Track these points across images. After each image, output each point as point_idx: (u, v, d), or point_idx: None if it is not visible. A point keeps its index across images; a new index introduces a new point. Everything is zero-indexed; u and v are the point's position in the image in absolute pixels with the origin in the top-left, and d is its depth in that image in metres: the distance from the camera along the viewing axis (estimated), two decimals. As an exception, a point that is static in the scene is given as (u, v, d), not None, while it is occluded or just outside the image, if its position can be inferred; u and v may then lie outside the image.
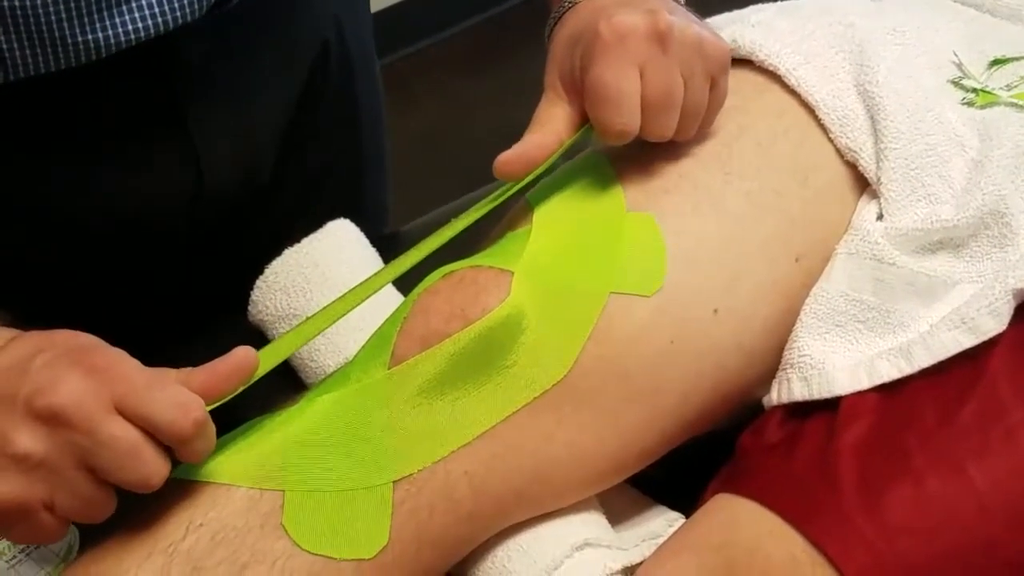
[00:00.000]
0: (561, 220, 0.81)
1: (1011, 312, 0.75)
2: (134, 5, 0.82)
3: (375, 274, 0.80)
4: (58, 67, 0.82)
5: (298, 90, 1.05)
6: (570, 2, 0.84)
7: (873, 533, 0.71)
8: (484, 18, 2.69)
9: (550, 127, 0.81)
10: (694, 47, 0.78)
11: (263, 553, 0.70)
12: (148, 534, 0.71)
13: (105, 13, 0.81)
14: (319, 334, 0.77)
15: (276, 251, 0.95)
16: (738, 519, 0.76)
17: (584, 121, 0.81)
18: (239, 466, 0.72)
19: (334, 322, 0.76)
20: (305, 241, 0.95)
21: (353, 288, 0.78)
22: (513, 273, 0.77)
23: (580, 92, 0.80)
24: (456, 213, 0.83)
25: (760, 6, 0.94)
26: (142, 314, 1.04)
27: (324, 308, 0.77)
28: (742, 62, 0.89)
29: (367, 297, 0.77)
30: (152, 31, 0.83)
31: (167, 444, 0.67)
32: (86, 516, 0.67)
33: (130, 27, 0.82)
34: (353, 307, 0.76)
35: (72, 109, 0.90)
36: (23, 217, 0.94)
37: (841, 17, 0.90)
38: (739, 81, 0.88)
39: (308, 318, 0.78)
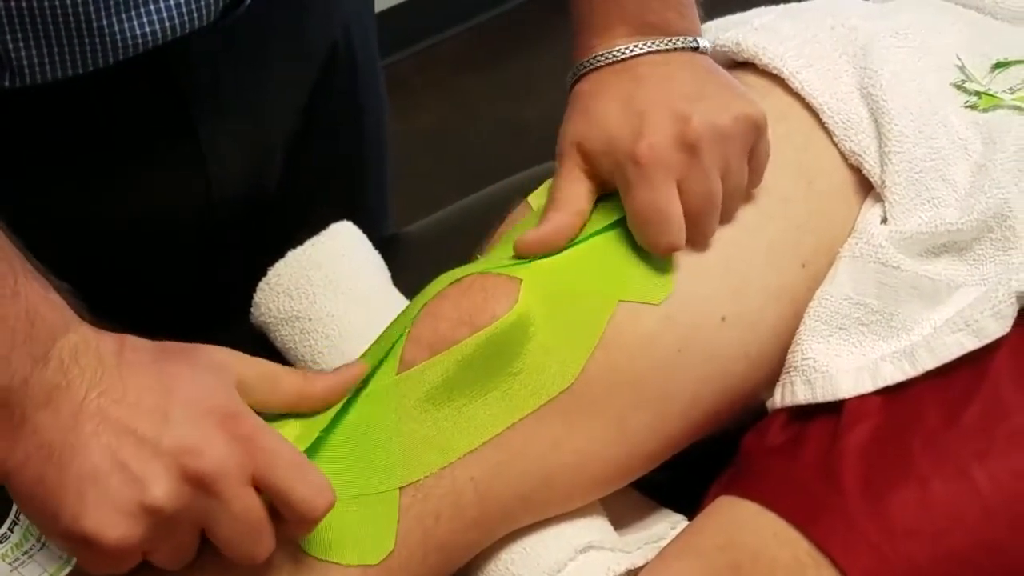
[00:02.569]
0: None
1: (1014, 315, 0.76)
2: (143, 10, 0.82)
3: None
4: (64, 73, 0.82)
5: (306, 94, 1.05)
6: (592, 63, 0.82)
7: (877, 535, 0.71)
8: (487, 17, 2.69)
9: (574, 206, 0.79)
10: (725, 139, 0.77)
11: (268, 559, 0.70)
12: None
13: (114, 18, 0.81)
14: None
15: (280, 253, 0.95)
16: (742, 522, 0.76)
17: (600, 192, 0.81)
18: (246, 472, 0.72)
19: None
20: (308, 243, 0.94)
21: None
22: (521, 280, 0.77)
23: (605, 183, 0.80)
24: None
25: (764, 9, 0.94)
26: (149, 314, 1.03)
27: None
28: (745, 65, 0.89)
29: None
30: (160, 36, 0.83)
31: (290, 518, 0.67)
32: (171, 565, 0.66)
33: (138, 31, 0.82)
34: None
35: (79, 115, 0.89)
36: (29, 221, 0.94)
37: (844, 20, 0.90)
38: (742, 85, 0.88)
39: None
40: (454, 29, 2.68)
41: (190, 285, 1.06)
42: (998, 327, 0.75)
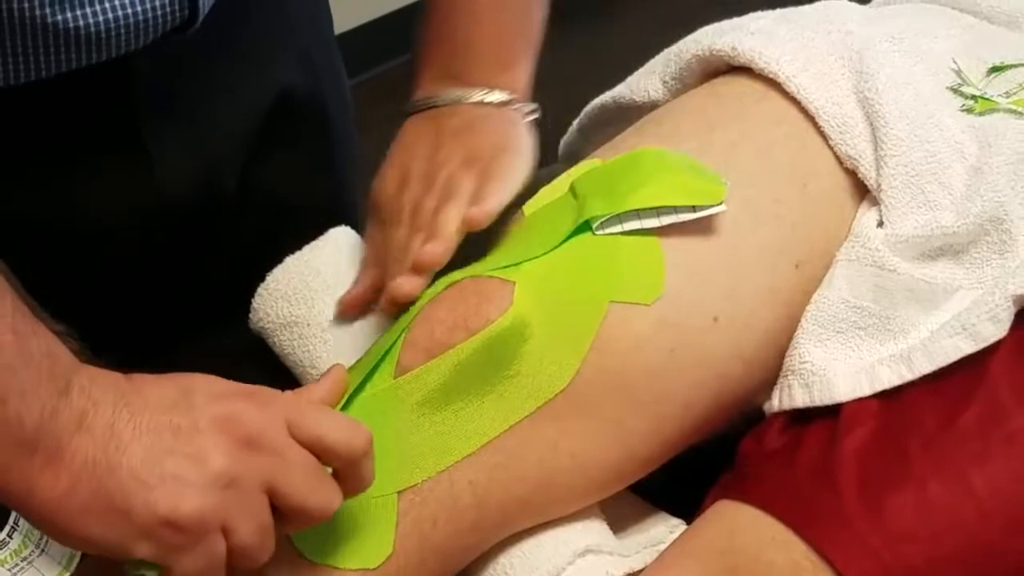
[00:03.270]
0: None
1: (1011, 318, 0.76)
2: (89, 27, 0.82)
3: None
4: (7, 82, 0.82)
5: (263, 104, 1.04)
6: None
7: (875, 539, 0.71)
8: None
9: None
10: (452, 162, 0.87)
11: (269, 566, 0.70)
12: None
13: (55, 37, 0.81)
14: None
15: (260, 261, 0.95)
16: (740, 525, 0.76)
17: None
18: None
19: None
20: (306, 248, 0.95)
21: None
22: (515, 283, 0.77)
23: None
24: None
25: (759, 13, 0.94)
26: (122, 324, 1.03)
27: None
28: (741, 70, 0.89)
29: None
30: (103, 53, 0.84)
31: (336, 464, 0.68)
32: (253, 550, 0.66)
33: (71, 58, 0.83)
34: None
35: (23, 120, 0.89)
36: None
37: (840, 25, 0.90)
38: (738, 88, 0.88)
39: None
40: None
41: (165, 292, 1.06)
42: (995, 331, 0.75)
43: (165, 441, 0.63)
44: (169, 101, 0.95)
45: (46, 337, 0.65)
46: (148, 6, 0.83)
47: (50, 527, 0.64)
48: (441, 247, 0.81)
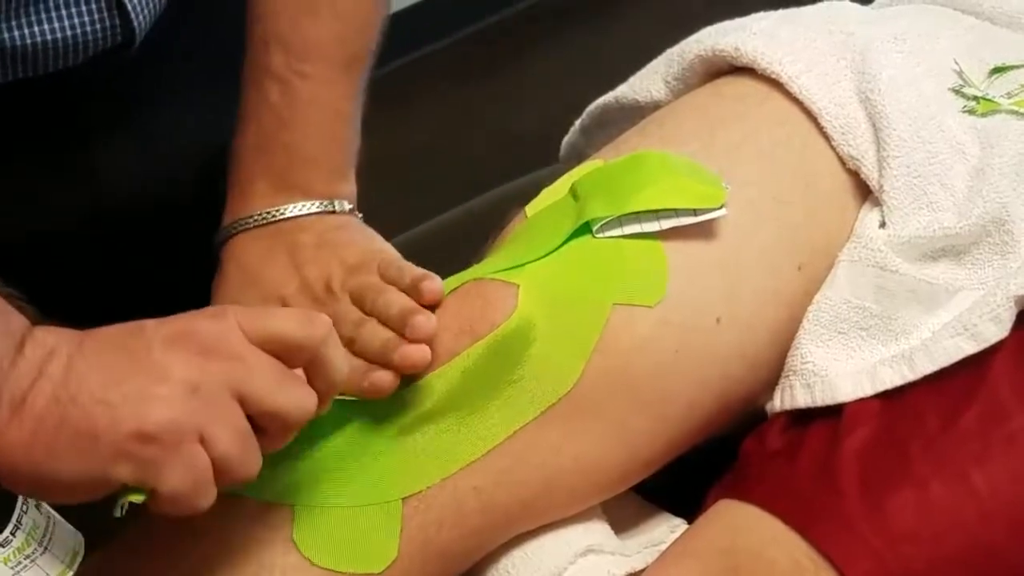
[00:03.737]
0: None
1: (1012, 319, 0.76)
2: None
3: None
4: None
5: (225, 115, 1.03)
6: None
7: (877, 538, 0.71)
8: (477, 28, 2.69)
9: None
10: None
11: (272, 567, 0.70)
12: (156, 544, 0.71)
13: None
14: None
15: None
16: (741, 525, 0.76)
17: None
18: (249, 479, 0.72)
19: None
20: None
21: None
22: (519, 285, 0.77)
23: None
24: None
25: (762, 14, 0.95)
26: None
27: None
28: (744, 70, 0.89)
29: None
30: (29, 72, 0.83)
31: (302, 362, 0.66)
32: (235, 459, 0.63)
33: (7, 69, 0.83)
34: None
35: None
36: None
37: (842, 25, 0.90)
38: (741, 89, 0.88)
39: None
40: (445, 40, 2.68)
41: (160, 292, 1.05)
42: (996, 331, 0.75)
43: (123, 362, 0.62)
44: (117, 110, 0.94)
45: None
46: (79, 31, 0.83)
47: (21, 480, 0.63)
48: (434, 318, 0.76)
